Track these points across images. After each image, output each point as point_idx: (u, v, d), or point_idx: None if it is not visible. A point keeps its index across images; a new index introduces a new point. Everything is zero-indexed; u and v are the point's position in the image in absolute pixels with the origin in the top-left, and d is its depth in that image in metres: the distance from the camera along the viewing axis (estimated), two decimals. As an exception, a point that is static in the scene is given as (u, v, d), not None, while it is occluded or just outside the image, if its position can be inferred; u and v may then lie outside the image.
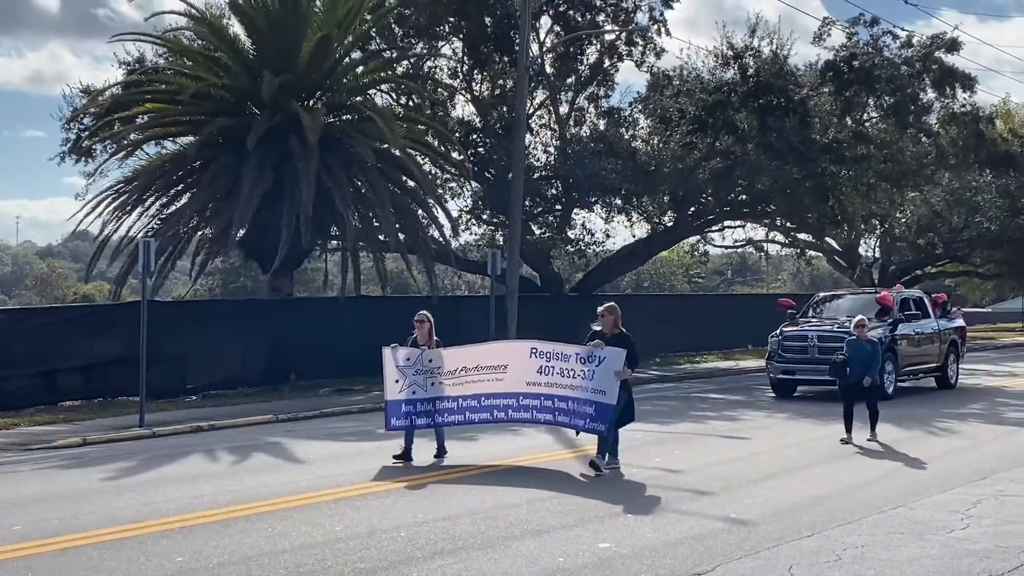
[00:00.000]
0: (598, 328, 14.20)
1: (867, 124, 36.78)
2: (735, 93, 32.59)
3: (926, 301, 26.56)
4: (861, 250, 52.54)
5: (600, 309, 14.29)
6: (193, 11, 27.86)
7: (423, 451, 15.12)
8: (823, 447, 16.91)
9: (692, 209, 36.20)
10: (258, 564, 9.29)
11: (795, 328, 24.73)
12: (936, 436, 18.29)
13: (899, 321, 24.49)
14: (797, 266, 61.80)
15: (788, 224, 40.47)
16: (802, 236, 44.69)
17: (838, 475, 14.15)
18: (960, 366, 27.61)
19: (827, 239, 45.27)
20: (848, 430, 16.85)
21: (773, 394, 24.87)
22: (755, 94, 32.41)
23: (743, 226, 41.55)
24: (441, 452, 15.10)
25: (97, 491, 12.84)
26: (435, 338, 15.00)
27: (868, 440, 16.73)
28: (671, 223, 37.15)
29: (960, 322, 27.81)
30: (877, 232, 49.15)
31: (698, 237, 41.81)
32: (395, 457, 14.64)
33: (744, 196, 35.50)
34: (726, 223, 39.78)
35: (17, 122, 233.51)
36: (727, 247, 49.97)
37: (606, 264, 38.31)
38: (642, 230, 37.54)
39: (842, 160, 32.67)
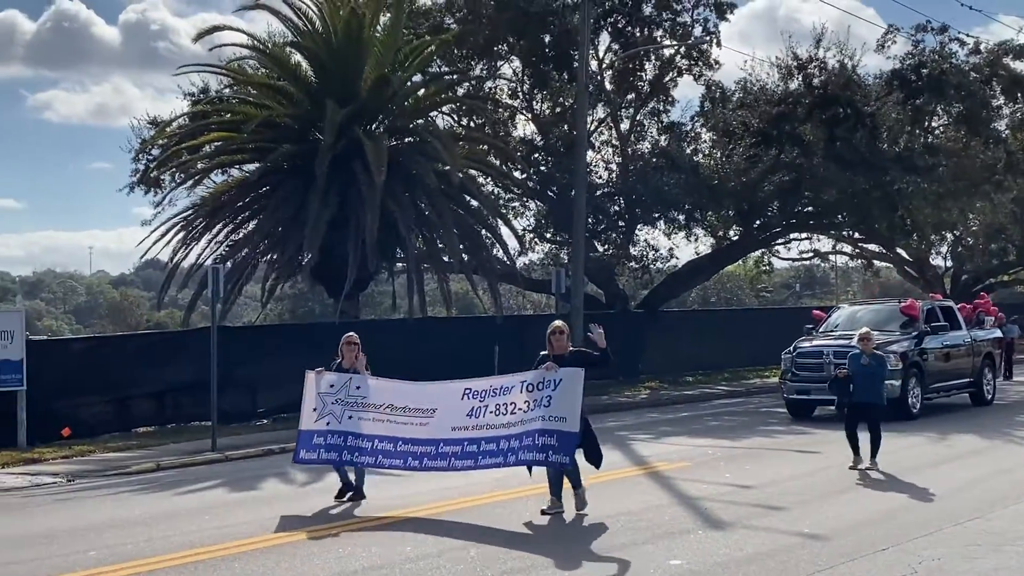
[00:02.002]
0: (545, 353, 12.42)
1: (936, 132, 36.28)
2: (800, 105, 32.32)
3: (956, 311, 24.84)
4: (932, 259, 51.78)
5: (552, 328, 12.40)
6: (255, 43, 28.25)
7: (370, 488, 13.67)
8: (896, 460, 16.65)
9: (758, 222, 35.92)
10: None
11: (810, 344, 23.13)
12: (1015, 445, 17.96)
13: (925, 333, 22.85)
14: (867, 276, 61.04)
15: (856, 235, 39.98)
16: (871, 247, 44.16)
17: (911, 488, 13.92)
18: (1002, 381, 25.48)
19: (898, 249, 44.68)
20: (856, 451, 15.36)
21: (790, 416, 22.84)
22: (821, 105, 32.09)
23: (810, 238, 41.10)
24: (356, 493, 13.43)
25: (171, 515, 12.99)
26: (363, 357, 13.54)
27: (868, 469, 15.14)
28: (736, 237, 36.88)
29: (997, 333, 26.18)
30: (948, 241, 48.45)
31: (764, 250, 41.47)
32: (337, 498, 13.32)
33: (810, 208, 35.15)
34: (792, 236, 39.39)
35: (84, 155, 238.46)
36: (793, 259, 49.46)
37: (671, 280, 38.13)
38: (706, 245, 37.36)
39: (913, 169, 32.24)
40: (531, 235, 35.60)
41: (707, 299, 77.61)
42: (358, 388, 13.18)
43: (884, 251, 45.16)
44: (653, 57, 34.29)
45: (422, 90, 29.82)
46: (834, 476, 14.97)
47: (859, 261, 50.38)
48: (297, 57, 28.50)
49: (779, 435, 19.99)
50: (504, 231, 30.51)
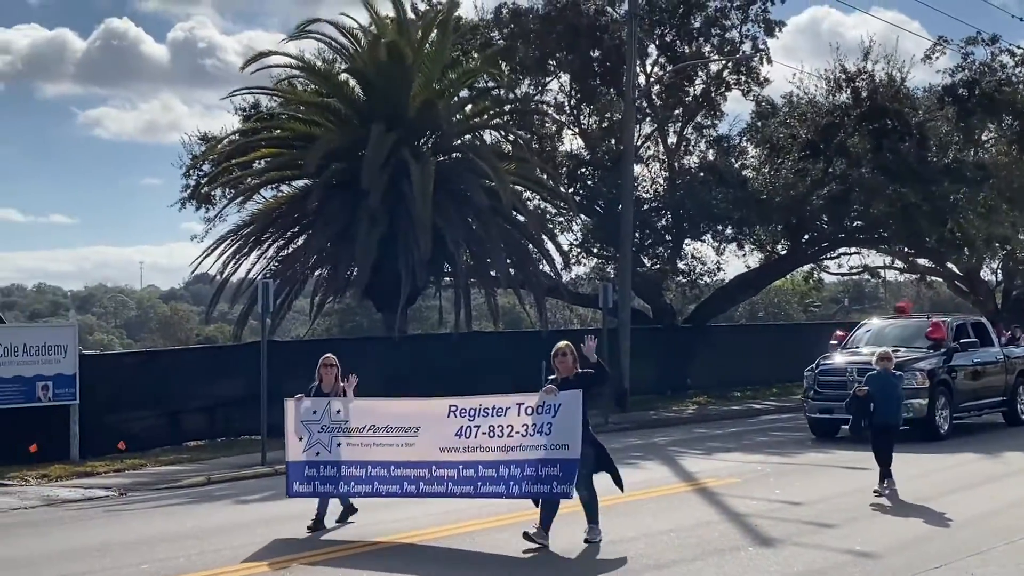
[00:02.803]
0: (552, 376, 11.84)
1: (986, 145, 35.92)
2: (848, 116, 32.15)
3: (988, 327, 23.98)
4: (983, 274, 51.13)
5: (554, 350, 11.66)
6: (304, 64, 28.56)
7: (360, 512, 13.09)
8: (948, 477, 16.52)
9: (806, 237, 35.72)
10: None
11: (833, 361, 22.16)
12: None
13: (954, 351, 21.83)
14: (917, 291, 60.40)
15: (906, 249, 39.60)
16: (921, 261, 43.70)
17: (962, 505, 13.79)
18: None
19: (948, 264, 44.17)
20: (884, 476, 14.61)
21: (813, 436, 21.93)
22: (869, 117, 31.90)
23: (859, 252, 40.77)
24: (345, 514, 12.99)
25: (223, 529, 13.11)
26: (342, 384, 12.91)
27: (875, 493, 14.35)
28: (784, 251, 36.68)
29: None
30: (999, 255, 47.82)
31: (812, 265, 41.19)
32: (309, 528, 12.55)
33: (859, 222, 34.90)
34: (841, 250, 39.11)
35: (134, 171, 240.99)
36: (843, 274, 49.01)
37: (719, 295, 37.98)
38: (755, 260, 37.19)
39: (962, 181, 31.93)
40: (578, 250, 35.63)
41: (754, 314, 77.14)
42: (338, 412, 12.50)
43: (934, 265, 44.65)
44: (701, 72, 34.24)
45: (469, 106, 29.97)
46: (897, 488, 14.83)
47: (908, 276, 49.78)
48: (345, 75, 28.75)
49: (828, 451, 19.82)
50: (550, 246, 30.58)
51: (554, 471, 11.23)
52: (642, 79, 33.04)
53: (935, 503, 13.97)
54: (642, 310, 36.61)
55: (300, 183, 28.12)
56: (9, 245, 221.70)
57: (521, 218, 29.26)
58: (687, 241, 35.03)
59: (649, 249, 34.95)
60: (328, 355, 13.12)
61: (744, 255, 36.32)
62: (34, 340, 20.08)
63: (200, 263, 27.78)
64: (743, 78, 34.57)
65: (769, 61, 34.30)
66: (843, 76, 33.34)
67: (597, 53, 32.69)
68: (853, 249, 39.42)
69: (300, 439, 12.55)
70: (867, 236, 36.02)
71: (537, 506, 11.57)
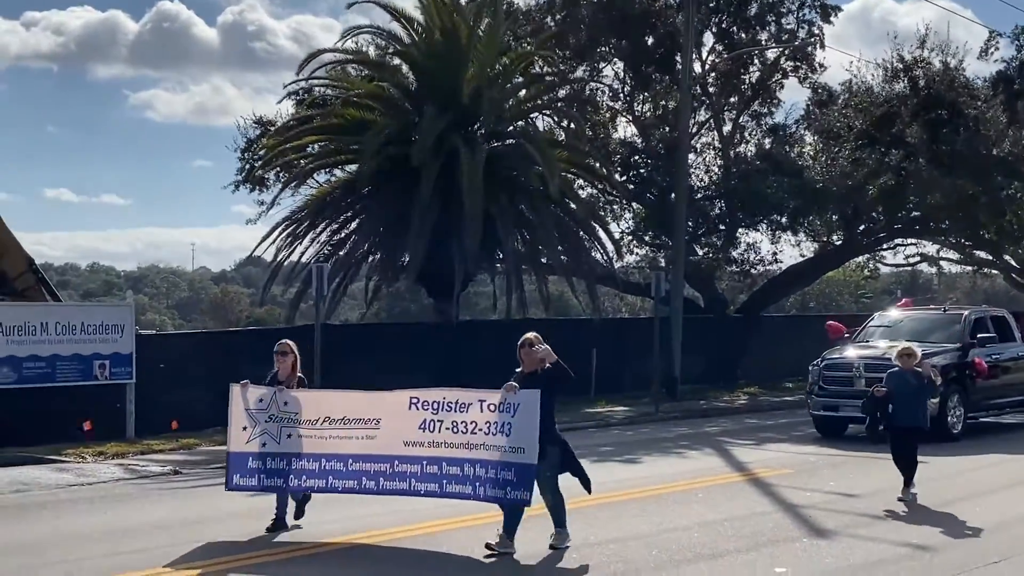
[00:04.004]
0: (519, 369, 10.95)
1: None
2: (905, 106, 31.77)
3: (1010, 322, 22.46)
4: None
5: (522, 341, 10.85)
6: (356, 54, 28.67)
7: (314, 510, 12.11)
8: (1009, 471, 16.33)
9: (862, 227, 35.37)
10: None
11: (840, 355, 20.99)
12: None
13: (970, 346, 20.51)
14: (973, 282, 59.66)
15: (964, 241, 39.12)
16: (978, 253, 43.15)
17: (1010, 505, 13.61)
18: None
19: (1005, 256, 43.60)
20: (906, 482, 13.54)
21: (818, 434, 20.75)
22: (925, 107, 31.51)
23: (916, 243, 40.34)
24: (278, 524, 11.82)
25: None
26: (299, 375, 12.11)
27: (899, 500, 13.36)
28: (840, 242, 36.35)
29: None
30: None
31: (868, 256, 40.80)
32: (268, 529, 11.68)
33: (916, 213, 34.51)
34: (897, 241, 38.71)
35: (185, 153, 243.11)
36: (898, 265, 48.50)
37: (773, 284, 37.70)
38: (809, 250, 36.87)
39: (1016, 174, 31.47)
40: (629, 238, 35.50)
41: (805, 304, 76.56)
42: (286, 404, 11.60)
43: (991, 258, 44.10)
44: (757, 59, 33.97)
45: (523, 91, 29.91)
46: (939, 487, 14.67)
47: (964, 268, 49.14)
48: (398, 61, 28.80)
49: (882, 443, 19.61)
50: (601, 234, 30.47)
51: (510, 475, 10.50)
52: (697, 66, 32.83)
53: (993, 498, 13.83)
54: (693, 299, 36.44)
55: (353, 168, 28.20)
56: (63, 224, 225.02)
57: (573, 206, 29.19)
58: (741, 230, 34.80)
59: (702, 238, 34.75)
60: (283, 341, 12.25)
61: (799, 244, 36.05)
62: (91, 319, 20.29)
63: (257, 246, 28.03)
64: (800, 64, 34.26)
65: (823, 47, 33.98)
66: (900, 65, 32.96)
67: (651, 39, 32.49)
68: (909, 240, 39.02)
69: (245, 429, 11.65)
70: (924, 227, 35.62)
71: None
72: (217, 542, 11.19)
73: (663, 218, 32.00)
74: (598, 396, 27.76)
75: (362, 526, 11.77)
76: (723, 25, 33.54)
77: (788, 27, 33.79)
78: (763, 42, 33.67)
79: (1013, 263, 45.42)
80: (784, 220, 33.59)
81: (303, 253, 27.56)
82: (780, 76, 34.46)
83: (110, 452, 18.54)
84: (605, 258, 30.61)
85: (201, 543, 11.06)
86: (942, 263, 45.95)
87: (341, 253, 27.41)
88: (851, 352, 20.86)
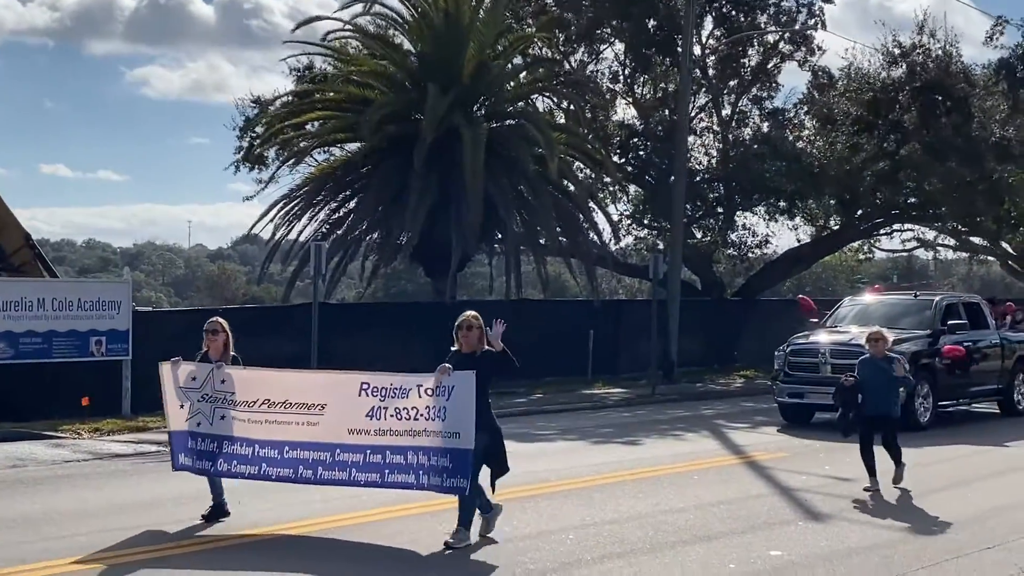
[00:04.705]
0: (455, 349, 10.46)
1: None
2: (902, 92, 31.71)
3: (984, 308, 21.83)
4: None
5: (460, 321, 10.37)
6: (357, 27, 28.55)
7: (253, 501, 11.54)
8: (1005, 456, 16.36)
9: (859, 212, 35.37)
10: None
11: (806, 340, 20.35)
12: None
13: (940, 333, 19.84)
14: (969, 268, 59.71)
15: (960, 227, 39.15)
16: (975, 239, 43.19)
17: (1021, 486, 13.66)
18: None
19: (1002, 243, 43.64)
20: (872, 472, 12.92)
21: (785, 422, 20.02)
22: (922, 92, 31.46)
23: (912, 229, 40.37)
24: (216, 511, 11.03)
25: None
26: (233, 354, 11.31)
27: (893, 482, 13.01)
28: (837, 226, 36.34)
29: None
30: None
31: (863, 241, 40.81)
32: (204, 517, 10.94)
33: (913, 199, 34.51)
34: (895, 226, 38.71)
35: (181, 130, 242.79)
36: (894, 251, 48.58)
37: (770, 268, 37.73)
38: (807, 234, 36.90)
39: (1010, 158, 31.44)
40: (628, 220, 35.49)
41: (802, 288, 76.55)
42: (223, 382, 10.95)
43: (988, 244, 44.14)
44: (756, 43, 33.89)
45: (523, 73, 29.85)
46: (935, 472, 14.74)
47: (960, 254, 49.18)
48: (399, 39, 28.71)
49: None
50: (600, 216, 30.48)
51: (445, 462, 9.99)
52: (697, 49, 32.75)
53: (988, 482, 13.87)
54: (691, 282, 36.46)
55: (352, 147, 28.16)
56: (59, 200, 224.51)
57: (571, 187, 29.18)
58: (739, 213, 34.80)
59: (700, 221, 34.79)
60: (214, 319, 11.54)
61: (796, 227, 36.06)
62: (88, 295, 20.23)
63: (256, 226, 28.03)
64: (799, 48, 34.19)
65: (824, 27, 33.89)
66: (898, 51, 32.88)
67: (652, 22, 32.41)
68: (906, 226, 39.04)
69: (182, 407, 11.09)
70: (921, 213, 35.62)
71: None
72: (148, 531, 10.54)
73: (662, 201, 31.98)
74: (595, 377, 27.81)
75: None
76: (723, 9, 33.46)
77: (787, 7, 33.73)
78: (762, 25, 33.59)
79: (1010, 250, 45.46)
80: (782, 204, 33.59)
81: (301, 231, 27.62)
82: (779, 60, 34.42)
83: (106, 429, 18.54)
84: (603, 240, 30.63)
85: (140, 530, 10.51)
86: (939, 249, 46.01)
87: (339, 232, 27.43)
88: (818, 337, 20.19)
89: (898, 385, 13.27)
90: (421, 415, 10.17)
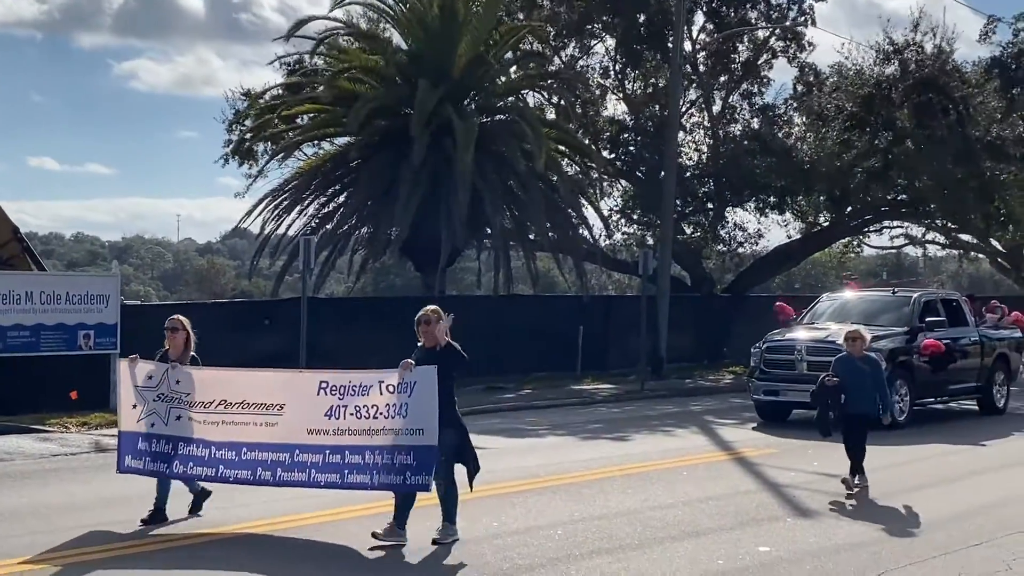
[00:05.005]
0: (420, 344, 10.24)
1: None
2: (895, 89, 31.73)
3: (963, 305, 21.66)
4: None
5: (419, 315, 10.15)
6: (348, 24, 28.54)
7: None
8: (991, 454, 16.40)
9: (849, 208, 35.41)
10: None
11: (782, 337, 20.05)
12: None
13: (919, 330, 19.51)
14: (959, 266, 59.87)
15: (950, 225, 39.23)
16: (964, 237, 43.30)
17: (1007, 483, 13.72)
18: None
19: (992, 240, 43.76)
20: (854, 470, 12.87)
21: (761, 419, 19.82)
22: (916, 90, 31.48)
23: (902, 226, 40.44)
24: (158, 514, 10.75)
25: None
26: (192, 354, 11.17)
27: (843, 484, 12.76)
28: (827, 223, 36.39)
29: (1019, 333, 22.37)
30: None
31: (852, 237, 40.86)
32: (143, 521, 10.63)
33: (903, 196, 34.56)
34: (885, 223, 38.78)
35: (170, 124, 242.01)
36: (883, 248, 48.71)
37: (760, 264, 37.77)
38: (796, 230, 36.94)
39: (1005, 158, 31.51)
40: (618, 216, 35.50)
41: (791, 285, 76.73)
42: (178, 383, 10.71)
43: (978, 242, 44.25)
44: (747, 39, 33.91)
45: (514, 67, 29.83)
46: (925, 468, 14.80)
47: (949, 251, 49.36)
48: (390, 34, 28.67)
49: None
50: (590, 211, 30.47)
51: (408, 459, 9.80)
52: (688, 45, 32.76)
53: (979, 479, 13.90)
54: (680, 278, 36.49)
55: (342, 141, 28.11)
56: (47, 193, 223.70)
57: (561, 182, 29.16)
58: (729, 209, 34.83)
59: (690, 217, 34.78)
60: (175, 316, 11.33)
61: (786, 223, 36.11)
62: (77, 289, 20.15)
63: (243, 219, 28.04)
64: (790, 44, 34.20)
65: (814, 23, 33.88)
66: (891, 48, 32.89)
67: (642, 17, 32.40)
68: (896, 223, 39.10)
69: (135, 407, 10.84)
70: (911, 210, 35.68)
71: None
72: (99, 531, 10.32)
73: (651, 196, 31.98)
74: (584, 373, 27.81)
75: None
76: (714, 5, 33.45)
77: (777, 3, 33.73)
78: (752, 21, 33.59)
79: (999, 247, 45.60)
80: (772, 200, 33.63)
81: (290, 226, 27.60)
82: (769, 56, 34.43)
83: (94, 422, 18.48)
84: (593, 236, 30.63)
85: (88, 529, 10.32)
86: (928, 246, 46.14)
87: (328, 226, 27.38)
88: (794, 334, 19.87)
89: (879, 382, 13.00)
90: (380, 413, 10.01)
